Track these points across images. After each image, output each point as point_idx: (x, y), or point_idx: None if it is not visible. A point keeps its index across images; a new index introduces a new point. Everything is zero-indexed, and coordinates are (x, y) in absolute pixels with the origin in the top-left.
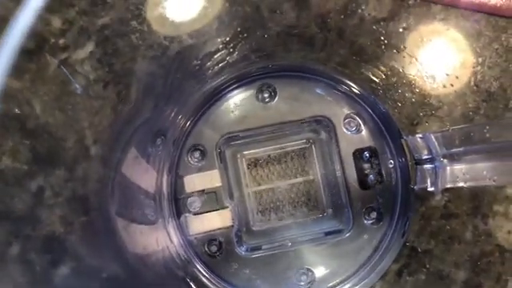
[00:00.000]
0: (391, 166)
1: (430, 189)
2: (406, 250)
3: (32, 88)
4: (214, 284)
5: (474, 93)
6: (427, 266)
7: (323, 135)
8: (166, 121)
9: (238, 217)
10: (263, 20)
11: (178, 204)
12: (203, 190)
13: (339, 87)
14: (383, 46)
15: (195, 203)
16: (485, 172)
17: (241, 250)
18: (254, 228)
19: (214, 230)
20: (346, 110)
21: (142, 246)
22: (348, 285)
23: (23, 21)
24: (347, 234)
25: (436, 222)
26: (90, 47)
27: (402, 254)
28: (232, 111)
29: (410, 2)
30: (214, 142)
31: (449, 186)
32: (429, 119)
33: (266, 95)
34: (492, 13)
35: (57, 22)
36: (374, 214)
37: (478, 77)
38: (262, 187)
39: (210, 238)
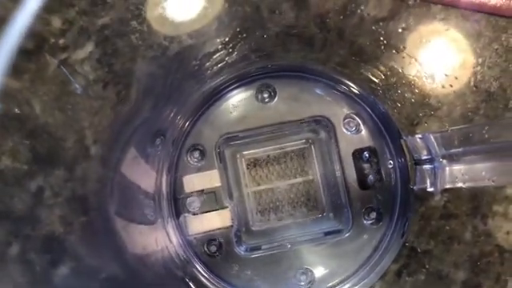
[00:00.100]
0: (391, 166)
1: (430, 189)
2: (406, 250)
3: (32, 88)
4: (213, 284)
5: (474, 93)
6: (427, 266)
7: (323, 135)
8: (165, 121)
9: (237, 217)
10: (263, 20)
11: (177, 204)
12: (202, 190)
13: (339, 87)
14: (383, 46)
15: (194, 203)
16: (484, 172)
17: (240, 250)
18: (253, 228)
19: (213, 230)
20: (346, 110)
21: (142, 245)
22: (347, 285)
23: (21, 21)
24: (347, 234)
25: (435, 222)
26: (89, 47)
27: (401, 254)
28: (231, 111)
29: (410, 2)
30: (213, 142)
31: (448, 186)
32: (428, 119)
33: (265, 95)
34: (492, 13)
35: (57, 22)
36: (373, 214)
37: (478, 77)
38: (262, 187)
39: (209, 238)
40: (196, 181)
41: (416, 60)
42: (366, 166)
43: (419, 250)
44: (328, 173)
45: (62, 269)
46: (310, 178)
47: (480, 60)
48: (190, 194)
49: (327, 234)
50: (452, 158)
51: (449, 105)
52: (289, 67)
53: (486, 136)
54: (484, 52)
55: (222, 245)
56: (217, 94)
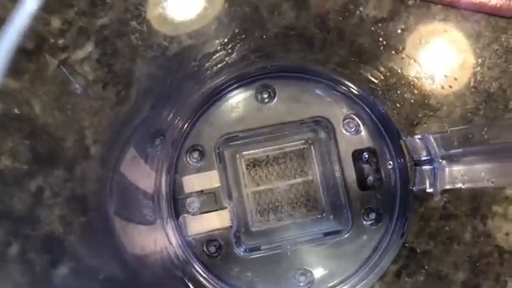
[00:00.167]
0: (390, 166)
1: (429, 190)
2: (405, 251)
3: (31, 88)
4: (212, 284)
5: (474, 93)
6: (426, 266)
7: (322, 136)
8: (164, 121)
9: (236, 217)
10: (262, 20)
11: (176, 204)
12: (202, 191)
13: (338, 88)
14: (382, 47)
15: (194, 204)
16: (483, 173)
17: (239, 251)
18: (252, 228)
19: (212, 231)
20: (345, 111)
21: (141, 246)
22: (347, 285)
23: (20, 21)
24: (346, 235)
25: (435, 222)
26: (89, 47)
27: (400, 255)
28: (231, 112)
29: (410, 2)
30: (212, 143)
31: (447, 187)
32: (428, 120)
33: (265, 96)
34: (492, 13)
35: (56, 23)
36: (372, 215)
37: (478, 77)
38: (261, 188)
39: (208, 239)
40: (195, 181)
41: (415, 61)
42: (365, 166)
43: (419, 250)
44: (327, 173)
45: (62, 269)
46: (310, 178)
47: (480, 61)
48: (190, 195)
49: (327, 234)
50: (451, 159)
51: (448, 105)
52: (288, 68)
53: (486, 137)
54: (484, 53)
55: (221, 245)
56: (216, 95)
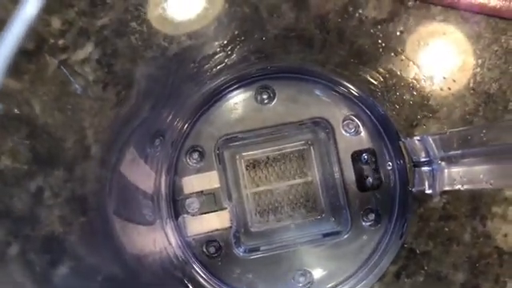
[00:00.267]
0: (389, 167)
1: (428, 191)
2: (404, 252)
3: (31, 88)
4: (211, 285)
5: (473, 95)
6: (425, 267)
7: (322, 137)
8: (164, 122)
9: (236, 218)
10: (262, 21)
11: (176, 205)
12: (202, 191)
13: (338, 89)
14: (382, 49)
15: (193, 204)
16: (482, 175)
17: (239, 252)
18: (252, 229)
19: (212, 231)
20: (345, 112)
21: (140, 246)
22: (346, 286)
23: (21, 21)
24: (345, 236)
25: (434, 223)
26: (89, 48)
27: (400, 256)
28: (231, 112)
29: (410, 4)
30: (212, 143)
31: (446, 188)
32: (427, 121)
33: (264, 97)
34: (492, 14)
35: (56, 23)
36: (372, 216)
37: (477, 79)
38: (261, 188)
39: (208, 239)
40: (195, 182)
41: (415, 62)
42: (364, 167)
43: (418, 251)
44: (327, 174)
45: (62, 269)
46: (309, 179)
47: (479, 62)
48: (189, 195)
49: (326, 235)
50: (450, 160)
51: (448, 107)
52: (288, 69)
53: (485, 138)
54: (483, 54)
55: (220, 246)
56: (216, 95)
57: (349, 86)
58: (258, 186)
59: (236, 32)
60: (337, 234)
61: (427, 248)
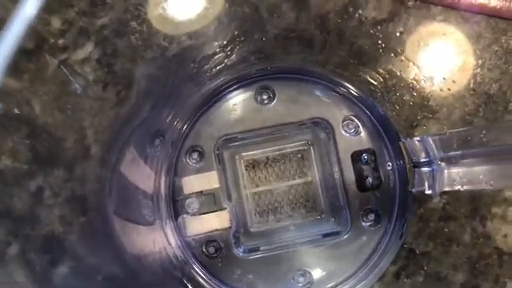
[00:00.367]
0: (389, 168)
1: (428, 192)
2: (404, 252)
3: (31, 88)
4: (211, 285)
5: (473, 95)
6: (425, 267)
7: (322, 137)
8: (164, 122)
9: (235, 218)
10: (262, 21)
11: (175, 205)
12: (201, 192)
13: (338, 89)
14: (382, 49)
15: (193, 204)
16: (482, 176)
17: (238, 252)
18: (251, 229)
19: (211, 232)
20: (345, 112)
21: (140, 246)
22: (346, 286)
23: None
24: (345, 236)
25: (434, 224)
26: (89, 48)
27: (399, 256)
28: (231, 113)
29: (410, 4)
30: (212, 144)
31: (446, 189)
32: (427, 122)
33: (264, 97)
34: (492, 15)
35: (56, 23)
36: (371, 216)
37: (478, 79)
38: (260, 189)
39: (207, 240)
40: (195, 182)
41: (415, 62)
42: (364, 167)
43: (418, 251)
44: (327, 174)
45: (62, 268)
46: (309, 179)
47: (480, 62)
48: (189, 196)
49: (326, 235)
50: (450, 161)
51: (448, 107)
52: (288, 69)
53: (485, 139)
54: (484, 54)
55: (220, 246)
56: (216, 96)
57: (349, 86)
58: (257, 186)
59: (236, 32)
60: (336, 234)
61: (427, 248)
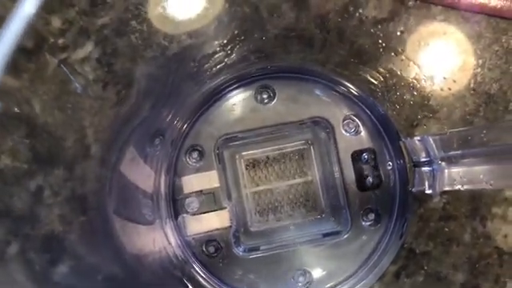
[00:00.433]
0: (389, 167)
1: (428, 191)
2: (404, 252)
3: (31, 87)
4: (211, 285)
5: (474, 95)
6: (425, 267)
7: (322, 136)
8: (164, 121)
9: (236, 217)
10: (262, 21)
11: (175, 204)
12: (201, 191)
13: (338, 89)
14: (382, 48)
15: (193, 204)
16: (482, 175)
17: (238, 251)
18: (251, 229)
19: (211, 231)
20: (345, 112)
21: (140, 246)
22: (346, 286)
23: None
24: (345, 236)
25: (434, 223)
26: (89, 47)
27: (400, 256)
28: (231, 112)
29: (410, 3)
30: (212, 143)
31: (446, 188)
32: (427, 121)
33: (264, 96)
34: (492, 14)
35: (56, 22)
36: (372, 216)
37: (478, 79)
38: (261, 188)
39: (207, 239)
40: (195, 181)
41: (416, 62)
42: (364, 167)
43: (418, 251)
44: (327, 174)
45: (62, 268)
46: (309, 179)
47: (480, 62)
48: (189, 195)
49: (326, 235)
50: (451, 161)
51: (448, 107)
52: (288, 68)
53: (485, 139)
54: (484, 54)
55: (220, 245)
56: (216, 95)
57: (349, 85)
58: (257, 185)
59: (236, 31)
60: (336, 233)
61: (427, 248)
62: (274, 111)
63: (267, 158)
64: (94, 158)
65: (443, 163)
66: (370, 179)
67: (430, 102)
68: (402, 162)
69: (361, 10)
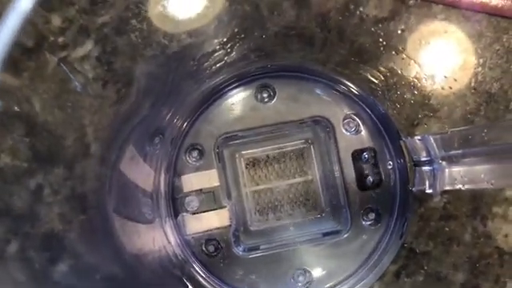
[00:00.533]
0: (390, 167)
1: (429, 191)
2: (405, 252)
3: (31, 86)
4: (210, 284)
5: (474, 94)
6: (425, 267)
7: (322, 135)
8: (164, 120)
9: (235, 216)
10: (262, 19)
11: (175, 203)
12: (201, 190)
13: (338, 88)
14: (383, 47)
15: (193, 203)
16: (483, 175)
17: (238, 250)
18: (251, 228)
19: (211, 230)
20: (345, 111)
21: (139, 244)
22: (346, 285)
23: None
24: (345, 235)
25: (435, 223)
26: (89, 46)
27: (400, 256)
28: (231, 111)
29: (411, 2)
30: (212, 142)
31: (447, 188)
32: (428, 121)
33: (265, 95)
34: (493, 13)
35: (56, 21)
36: (372, 215)
37: (479, 78)
38: (261, 187)
39: (207, 238)
40: (194, 180)
41: (416, 61)
42: (365, 166)
43: (418, 251)
44: (327, 173)
45: (61, 266)
46: (309, 178)
47: (481, 61)
48: (189, 194)
49: (326, 234)
50: (451, 160)
51: (449, 106)
52: (288, 67)
53: (486, 138)
54: (485, 53)
55: (220, 245)
56: (216, 94)
57: (349, 84)
58: (257, 184)
59: (236, 30)
60: (337, 233)
61: (427, 248)
62: (274, 110)
63: (267, 157)
64: (93, 156)
65: (444, 162)
66: (370, 178)
67: (431, 101)
68: (402, 161)
69: (361, 9)
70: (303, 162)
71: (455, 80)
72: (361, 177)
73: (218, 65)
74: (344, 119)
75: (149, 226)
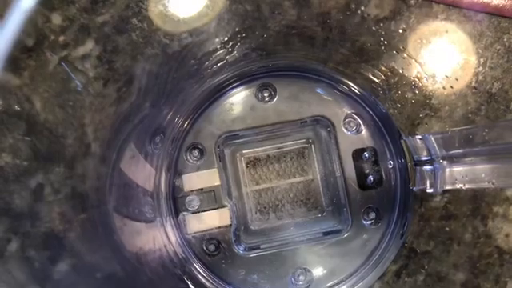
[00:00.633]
0: (390, 166)
1: (429, 190)
2: (405, 251)
3: (32, 85)
4: (211, 283)
5: (475, 94)
6: (426, 267)
7: (323, 135)
8: (164, 119)
9: (236, 216)
10: (264, 18)
11: (176, 202)
12: (202, 189)
13: (339, 87)
14: (384, 47)
15: (194, 202)
16: (484, 174)
17: (239, 250)
18: (252, 227)
19: (212, 229)
20: (346, 110)
21: (140, 244)
22: (346, 285)
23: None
24: (346, 235)
25: (435, 223)
26: (90, 45)
27: (400, 255)
28: (232, 110)
29: (412, 2)
30: (213, 141)
31: (448, 187)
32: (429, 120)
33: (265, 94)
34: (494, 13)
35: (57, 19)
36: (372, 215)
37: (480, 78)
38: (261, 186)
39: (208, 237)
40: (195, 179)
41: (417, 60)
42: (365, 166)
43: (418, 250)
44: (328, 173)
45: (61, 265)
46: (310, 177)
47: (482, 61)
48: (189, 193)
49: (326, 233)
50: (452, 160)
51: (450, 105)
52: (289, 66)
53: (487, 138)
54: (486, 53)
55: (220, 244)
56: (217, 93)
57: (350, 84)
58: (258, 183)
59: (237, 29)
60: (337, 232)
61: (428, 247)
62: (274, 109)
63: (268, 156)
64: (94, 155)
65: (445, 162)
66: (370, 178)
67: (432, 101)
68: (403, 160)
69: (363, 8)
70: (304, 161)
71: (456, 80)
72: (361, 176)
73: (218, 64)
74: (345, 118)
75: (149, 225)
